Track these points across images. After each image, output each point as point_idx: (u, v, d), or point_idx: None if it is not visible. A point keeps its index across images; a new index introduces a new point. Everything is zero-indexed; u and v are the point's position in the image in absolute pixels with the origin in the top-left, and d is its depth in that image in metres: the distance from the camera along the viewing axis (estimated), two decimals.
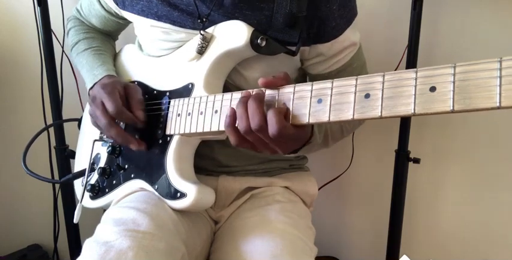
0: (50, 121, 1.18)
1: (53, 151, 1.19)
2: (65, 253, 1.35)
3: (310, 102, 0.52)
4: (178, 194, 0.71)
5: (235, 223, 0.79)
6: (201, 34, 0.72)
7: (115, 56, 0.95)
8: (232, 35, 0.69)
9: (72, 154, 1.13)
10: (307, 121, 0.53)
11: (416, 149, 1.07)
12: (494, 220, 1.16)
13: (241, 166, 0.85)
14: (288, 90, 0.56)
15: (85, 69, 0.85)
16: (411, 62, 1.00)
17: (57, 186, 1.28)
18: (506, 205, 1.14)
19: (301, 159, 0.97)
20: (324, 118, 0.50)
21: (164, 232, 0.66)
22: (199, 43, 0.72)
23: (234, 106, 0.59)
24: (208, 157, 0.82)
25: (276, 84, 0.58)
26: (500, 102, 0.36)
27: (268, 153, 0.61)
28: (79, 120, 1.05)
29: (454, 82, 0.39)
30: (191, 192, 0.70)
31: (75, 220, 0.83)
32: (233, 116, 0.59)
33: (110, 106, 0.73)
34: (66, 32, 0.99)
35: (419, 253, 1.23)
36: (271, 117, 0.54)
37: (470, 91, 0.38)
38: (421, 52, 1.00)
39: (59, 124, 1.15)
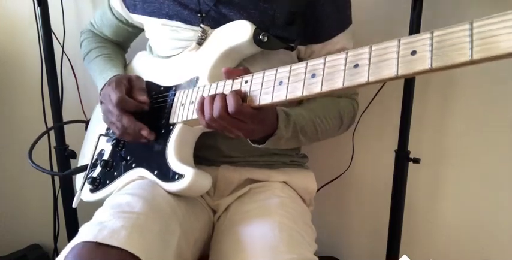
0: (50, 121, 1.18)
1: (53, 151, 1.19)
2: None
3: (304, 77, 0.56)
4: (176, 176, 0.74)
5: (235, 217, 0.80)
6: (201, 27, 0.79)
7: (128, 63, 1.00)
8: (236, 31, 0.75)
9: (72, 154, 1.14)
10: (263, 102, 0.61)
11: (416, 149, 1.07)
12: (495, 220, 1.16)
13: (243, 157, 0.87)
14: (246, 78, 0.65)
15: (96, 74, 0.90)
16: None
17: (57, 186, 1.28)
18: (507, 205, 1.14)
19: (301, 157, 0.99)
20: (317, 89, 0.54)
21: (159, 214, 0.68)
22: (199, 35, 0.80)
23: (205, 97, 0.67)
24: (211, 147, 0.85)
25: (234, 74, 0.66)
26: (472, 56, 0.40)
27: (233, 136, 0.67)
28: (86, 122, 1.08)
29: (432, 44, 0.44)
30: (189, 174, 0.72)
31: (74, 205, 0.86)
32: (201, 103, 0.66)
33: (113, 97, 0.78)
34: (80, 43, 1.05)
35: (419, 253, 1.23)
36: (229, 97, 0.62)
37: (446, 50, 0.43)
38: None
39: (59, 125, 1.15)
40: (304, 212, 0.87)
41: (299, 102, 0.91)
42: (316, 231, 0.86)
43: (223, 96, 0.63)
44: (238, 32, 0.74)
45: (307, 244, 0.75)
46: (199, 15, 0.80)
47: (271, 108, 0.69)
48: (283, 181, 0.90)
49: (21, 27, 1.27)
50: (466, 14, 1.04)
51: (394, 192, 1.09)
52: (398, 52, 0.47)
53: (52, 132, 1.16)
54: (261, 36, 0.73)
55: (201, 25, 0.79)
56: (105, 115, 0.83)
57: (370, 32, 1.04)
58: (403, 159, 1.06)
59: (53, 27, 1.11)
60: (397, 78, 0.47)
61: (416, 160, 1.05)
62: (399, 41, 0.47)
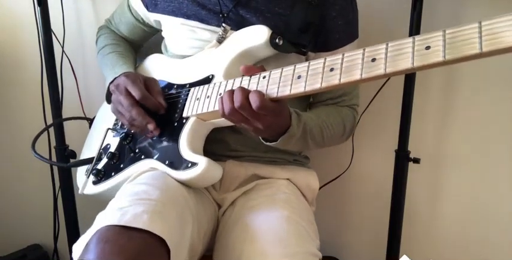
0: (50, 121, 1.18)
1: (53, 151, 1.19)
2: (65, 253, 1.35)
3: (323, 71, 0.60)
4: (190, 164, 0.75)
5: (242, 211, 0.82)
6: (223, 26, 0.83)
7: (140, 64, 1.03)
8: (254, 35, 0.79)
9: (72, 154, 1.13)
10: (282, 94, 0.64)
11: (416, 149, 1.08)
12: (494, 220, 1.16)
13: (248, 151, 0.89)
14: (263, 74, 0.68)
15: (108, 68, 0.93)
16: None
17: (57, 186, 1.28)
18: (507, 205, 1.14)
19: (304, 158, 1.01)
20: (335, 81, 0.58)
21: (175, 203, 0.70)
22: (220, 33, 0.83)
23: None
24: (218, 141, 0.86)
25: (252, 70, 0.69)
26: (481, 49, 0.45)
27: (252, 129, 0.69)
28: (90, 119, 1.10)
29: (444, 40, 0.49)
30: (202, 162, 0.74)
31: (80, 191, 0.89)
32: (221, 97, 0.69)
33: (135, 92, 0.81)
34: (96, 38, 1.08)
35: (419, 253, 1.23)
36: (252, 94, 0.64)
37: (457, 45, 0.48)
38: None
39: (59, 125, 1.15)
40: (307, 210, 0.89)
41: (305, 109, 0.95)
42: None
43: (243, 89, 0.66)
44: (255, 35, 0.78)
45: (311, 239, 0.77)
46: (221, 15, 0.84)
47: (286, 104, 0.71)
48: (287, 179, 0.92)
49: (21, 27, 1.27)
50: (465, 14, 1.04)
51: (394, 191, 1.09)
52: (414, 47, 0.51)
53: (52, 133, 1.17)
54: (277, 40, 0.77)
55: (223, 24, 0.83)
56: (115, 105, 0.85)
57: (370, 32, 1.04)
58: (403, 159, 1.06)
59: (53, 27, 1.11)
60: (412, 70, 0.51)
61: (416, 160, 1.05)
62: (414, 38, 0.51)
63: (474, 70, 1.08)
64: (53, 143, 1.18)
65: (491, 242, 1.18)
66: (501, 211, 1.15)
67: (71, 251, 1.22)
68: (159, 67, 0.97)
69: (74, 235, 1.21)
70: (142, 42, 1.12)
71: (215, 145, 0.86)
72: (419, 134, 1.12)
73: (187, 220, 0.71)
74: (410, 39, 0.52)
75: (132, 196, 0.67)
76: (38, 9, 1.07)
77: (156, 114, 0.83)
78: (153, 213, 0.63)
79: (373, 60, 0.54)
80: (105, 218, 0.62)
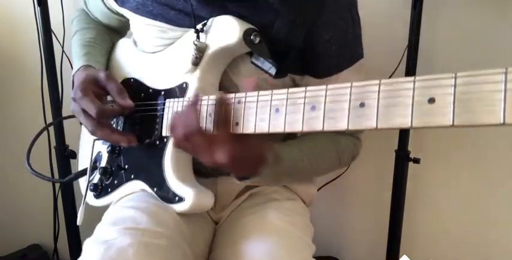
0: (50, 121, 1.18)
1: (53, 151, 1.19)
2: (65, 253, 1.35)
3: (303, 109, 0.49)
4: (177, 198, 0.71)
5: (234, 223, 0.79)
6: (195, 44, 0.70)
7: (112, 54, 0.94)
8: (225, 31, 0.69)
9: (72, 154, 1.13)
10: (260, 131, 0.54)
11: (416, 149, 1.07)
12: (495, 220, 1.16)
13: None
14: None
15: (73, 59, 0.86)
16: (411, 62, 1.00)
17: (57, 185, 1.28)
18: (507, 205, 1.14)
19: None
20: (318, 126, 0.47)
21: (164, 229, 0.67)
22: (194, 54, 0.70)
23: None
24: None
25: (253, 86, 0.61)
26: (504, 119, 0.33)
27: (211, 163, 0.60)
28: None
29: (454, 94, 0.36)
30: (189, 197, 0.70)
31: (78, 222, 0.82)
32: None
33: (89, 110, 0.70)
34: (71, 21, 0.98)
35: (419, 253, 1.22)
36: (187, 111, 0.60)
37: (472, 105, 0.35)
38: (421, 52, 0.99)
39: (59, 124, 1.15)
40: (303, 213, 0.86)
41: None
42: (316, 231, 0.85)
43: (196, 119, 0.60)
44: (227, 32, 0.68)
45: (307, 246, 0.75)
46: (193, 19, 0.72)
47: (256, 140, 0.62)
48: (284, 186, 0.88)
49: (21, 27, 1.27)
50: (465, 14, 1.04)
51: (394, 191, 1.09)
52: (413, 97, 0.39)
53: (52, 133, 1.17)
54: (252, 37, 0.66)
55: (195, 42, 0.70)
56: (84, 126, 0.76)
57: (370, 32, 1.04)
58: (403, 159, 1.06)
59: (53, 27, 1.11)
60: (410, 128, 0.40)
61: (416, 160, 1.05)
62: (414, 82, 0.39)
63: (475, 68, 1.07)
64: (53, 143, 1.18)
65: (491, 242, 1.18)
66: (501, 211, 1.15)
67: (71, 251, 1.23)
68: (132, 62, 0.87)
69: (74, 235, 1.21)
70: (125, 29, 0.99)
71: (203, 165, 0.80)
72: (419, 134, 1.12)
73: (178, 244, 0.68)
74: (409, 84, 0.39)
75: (118, 225, 0.64)
76: (38, 9, 1.07)
77: (136, 126, 0.78)
78: (139, 245, 0.60)
79: (362, 105, 0.43)
80: (89, 253, 0.60)
